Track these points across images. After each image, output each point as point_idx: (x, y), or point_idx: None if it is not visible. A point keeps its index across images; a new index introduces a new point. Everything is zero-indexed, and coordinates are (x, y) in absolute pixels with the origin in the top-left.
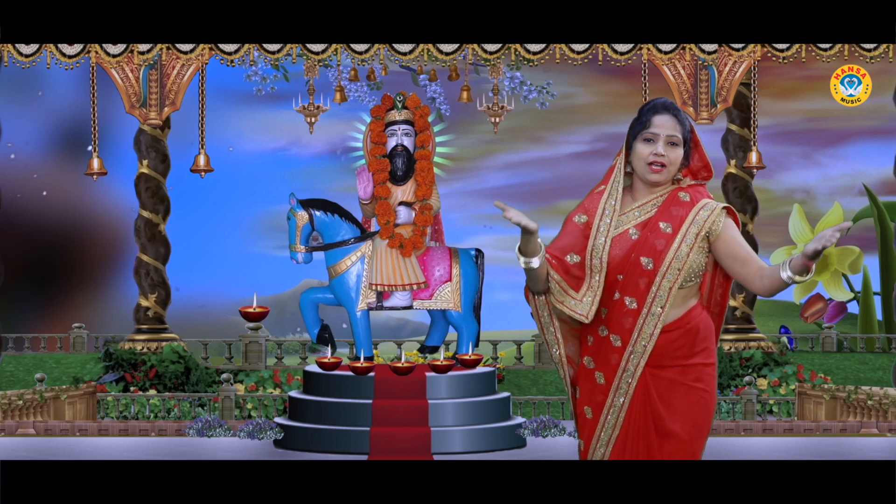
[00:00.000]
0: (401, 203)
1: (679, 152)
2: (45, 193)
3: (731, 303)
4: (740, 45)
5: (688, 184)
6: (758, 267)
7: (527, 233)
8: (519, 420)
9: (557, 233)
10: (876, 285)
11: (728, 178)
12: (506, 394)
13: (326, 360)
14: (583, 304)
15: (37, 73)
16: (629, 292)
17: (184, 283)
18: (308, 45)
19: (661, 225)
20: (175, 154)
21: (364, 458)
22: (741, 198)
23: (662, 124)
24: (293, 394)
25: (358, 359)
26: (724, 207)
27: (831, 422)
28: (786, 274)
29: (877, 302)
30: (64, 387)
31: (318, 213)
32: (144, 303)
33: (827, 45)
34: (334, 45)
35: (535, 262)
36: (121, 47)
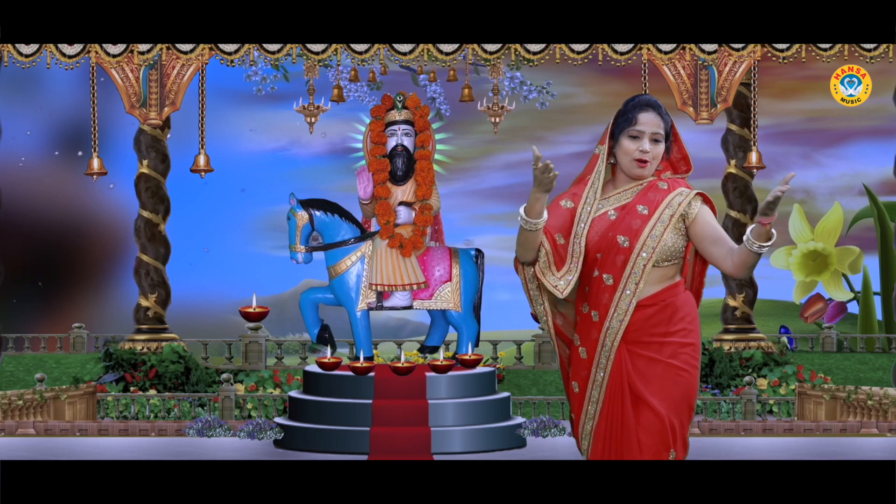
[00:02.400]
0: (401, 203)
1: (661, 147)
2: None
3: (731, 303)
4: (740, 45)
5: (669, 176)
6: (729, 247)
7: (541, 188)
8: (519, 420)
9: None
10: (876, 285)
11: (728, 178)
12: (506, 394)
13: (326, 360)
14: (561, 283)
15: (37, 73)
16: (607, 269)
17: (184, 284)
18: (308, 45)
19: (639, 207)
20: (175, 154)
21: (364, 458)
22: (741, 198)
23: (647, 122)
24: (293, 394)
25: (358, 359)
26: (698, 193)
27: (831, 422)
28: (748, 241)
29: (877, 302)
30: (64, 387)
31: (318, 213)
32: (144, 303)
33: (827, 45)
34: (334, 45)
35: (541, 224)
36: (121, 47)
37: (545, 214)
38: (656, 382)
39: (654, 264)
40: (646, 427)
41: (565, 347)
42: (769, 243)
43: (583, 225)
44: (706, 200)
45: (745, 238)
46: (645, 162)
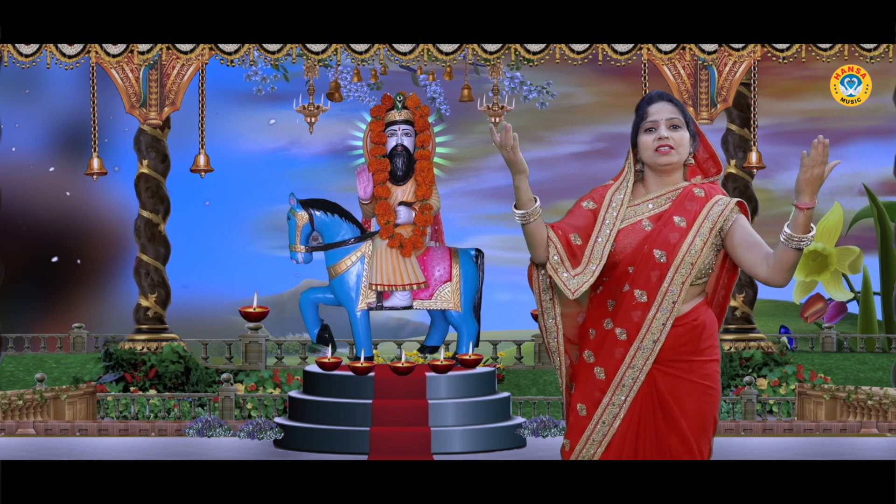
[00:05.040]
0: (401, 203)
1: (684, 134)
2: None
3: (732, 303)
4: (740, 45)
5: (700, 181)
6: (764, 252)
7: (516, 168)
8: (519, 420)
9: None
10: (876, 285)
11: (728, 178)
12: (506, 394)
13: (326, 360)
14: (574, 281)
15: (37, 73)
16: (640, 285)
17: (184, 284)
18: (308, 45)
19: (676, 219)
20: (175, 154)
21: (364, 458)
22: (741, 198)
23: (659, 110)
24: (293, 394)
25: (358, 359)
26: (737, 202)
27: (831, 422)
28: (787, 239)
29: (877, 302)
30: (64, 387)
31: (318, 213)
32: (144, 303)
33: (827, 45)
34: (334, 45)
35: (535, 214)
36: (121, 47)
37: (536, 202)
38: (687, 403)
39: (691, 282)
40: (675, 450)
41: (567, 359)
42: (810, 235)
43: (608, 231)
44: (743, 209)
45: (782, 236)
46: (667, 148)
